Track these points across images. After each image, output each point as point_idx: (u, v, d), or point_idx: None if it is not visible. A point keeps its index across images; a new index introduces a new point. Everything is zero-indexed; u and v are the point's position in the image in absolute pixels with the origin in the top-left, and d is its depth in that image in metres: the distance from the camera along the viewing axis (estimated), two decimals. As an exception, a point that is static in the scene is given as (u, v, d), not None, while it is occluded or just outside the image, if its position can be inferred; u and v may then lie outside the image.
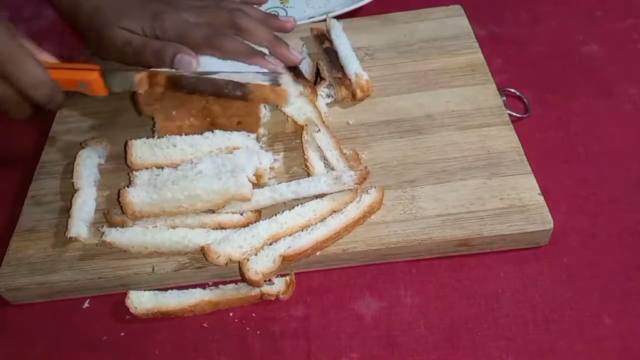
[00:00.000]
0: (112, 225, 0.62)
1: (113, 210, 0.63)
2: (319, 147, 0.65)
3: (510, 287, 0.57)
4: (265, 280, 0.57)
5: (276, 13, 0.90)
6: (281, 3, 0.92)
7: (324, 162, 0.65)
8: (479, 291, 0.57)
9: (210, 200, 0.60)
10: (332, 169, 0.64)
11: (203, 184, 0.59)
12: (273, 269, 0.57)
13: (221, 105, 0.65)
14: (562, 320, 0.55)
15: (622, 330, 0.54)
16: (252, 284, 0.57)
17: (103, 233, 0.60)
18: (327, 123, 0.68)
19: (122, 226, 0.61)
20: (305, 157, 0.65)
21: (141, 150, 0.64)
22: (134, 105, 0.69)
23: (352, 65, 0.72)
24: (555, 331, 0.54)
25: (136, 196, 0.60)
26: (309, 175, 0.64)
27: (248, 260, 0.57)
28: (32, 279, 0.60)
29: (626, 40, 0.80)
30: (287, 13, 0.90)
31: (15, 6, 1.02)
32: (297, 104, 0.68)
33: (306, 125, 0.67)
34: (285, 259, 0.57)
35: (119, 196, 0.61)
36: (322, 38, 0.78)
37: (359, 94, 0.71)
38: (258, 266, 0.57)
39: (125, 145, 0.66)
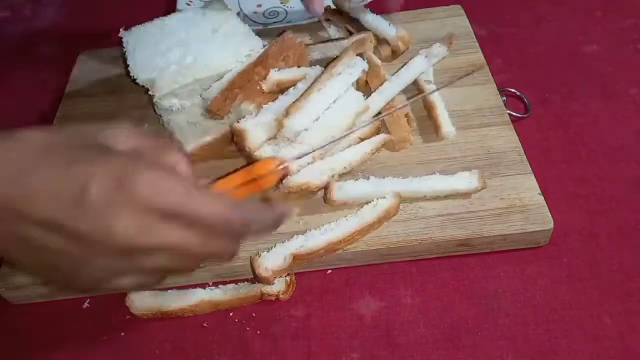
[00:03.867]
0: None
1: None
2: None
3: (510, 287, 0.57)
4: (274, 277, 0.57)
5: (276, 13, 0.90)
6: (281, 3, 0.92)
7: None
8: (479, 291, 0.57)
9: (343, 125, 0.63)
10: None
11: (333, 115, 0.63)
12: (283, 266, 0.57)
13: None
14: (562, 320, 0.55)
15: (622, 330, 0.54)
16: (262, 280, 0.57)
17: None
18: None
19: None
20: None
21: (255, 134, 0.62)
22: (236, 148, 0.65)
23: (384, 24, 0.75)
24: (555, 331, 0.54)
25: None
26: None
27: (259, 256, 0.57)
28: (32, 278, 0.60)
29: (626, 40, 0.80)
30: (287, 13, 0.90)
31: (15, 6, 1.02)
32: None
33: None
34: (297, 258, 0.57)
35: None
36: (334, 12, 0.80)
37: (401, 47, 0.74)
38: (269, 263, 0.57)
39: (235, 132, 0.63)
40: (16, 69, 0.91)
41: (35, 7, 1.01)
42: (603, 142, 0.68)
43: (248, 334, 0.57)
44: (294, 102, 0.63)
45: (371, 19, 0.76)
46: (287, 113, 0.62)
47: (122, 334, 0.58)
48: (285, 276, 0.58)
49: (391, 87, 0.67)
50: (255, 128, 0.63)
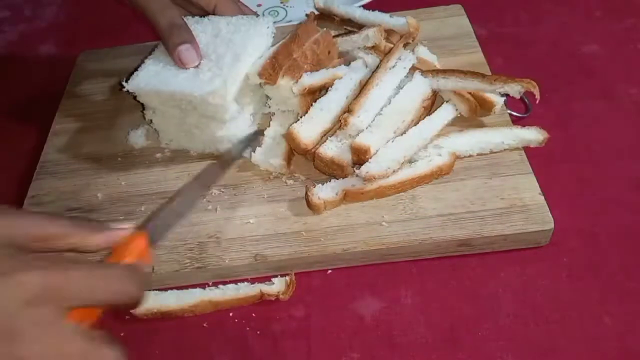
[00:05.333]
0: None
1: None
2: None
3: (510, 287, 0.57)
4: (324, 207, 0.60)
5: (276, 12, 0.91)
6: (281, 3, 0.92)
7: None
8: (479, 291, 0.57)
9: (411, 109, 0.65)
10: None
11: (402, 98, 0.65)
12: (334, 199, 0.60)
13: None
14: (562, 320, 0.55)
15: (622, 330, 0.54)
16: (313, 208, 0.60)
17: None
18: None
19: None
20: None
21: (306, 131, 0.64)
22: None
23: (385, 17, 0.75)
24: (555, 331, 0.54)
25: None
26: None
27: (314, 186, 0.60)
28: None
29: (626, 40, 0.80)
30: (287, 13, 0.90)
31: (15, 6, 1.02)
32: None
33: None
34: (348, 195, 0.61)
35: None
36: (324, 18, 0.79)
37: (414, 33, 0.74)
38: (322, 193, 0.60)
39: (288, 136, 0.64)
40: (16, 69, 0.91)
41: (35, 7, 1.01)
42: (603, 142, 0.68)
43: (248, 334, 0.57)
44: (355, 99, 0.64)
45: (372, 16, 0.76)
46: (350, 110, 0.63)
47: (122, 334, 0.58)
48: (285, 276, 0.58)
49: (448, 82, 0.66)
50: (301, 127, 0.64)
